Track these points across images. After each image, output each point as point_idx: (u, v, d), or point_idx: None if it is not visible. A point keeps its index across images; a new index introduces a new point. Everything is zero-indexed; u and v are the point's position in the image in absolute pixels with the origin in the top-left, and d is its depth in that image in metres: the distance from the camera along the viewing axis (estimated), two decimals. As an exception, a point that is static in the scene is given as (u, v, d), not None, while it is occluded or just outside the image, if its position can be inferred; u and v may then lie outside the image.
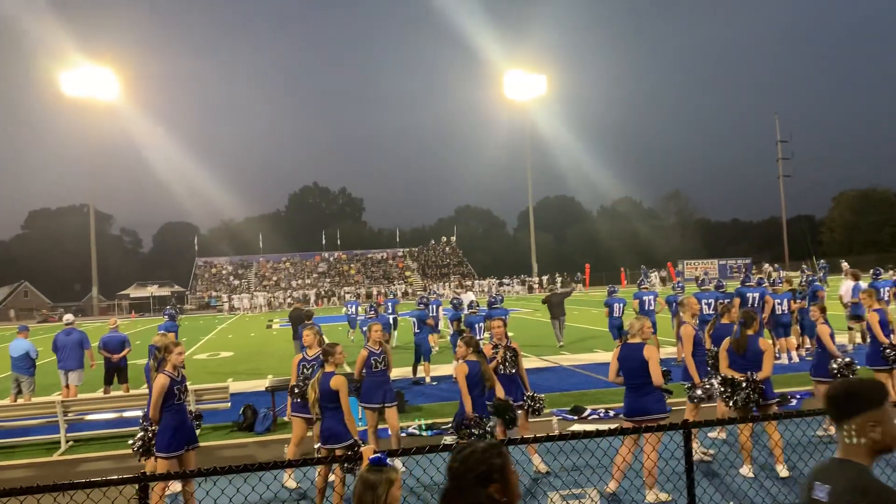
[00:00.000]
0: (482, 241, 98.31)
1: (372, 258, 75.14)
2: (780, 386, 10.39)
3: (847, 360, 8.36)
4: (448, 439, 8.26)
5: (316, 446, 6.69)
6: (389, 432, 8.24)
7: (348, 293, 57.24)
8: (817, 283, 16.37)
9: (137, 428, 6.89)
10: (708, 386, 7.54)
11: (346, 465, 5.50)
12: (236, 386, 14.15)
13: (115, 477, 3.34)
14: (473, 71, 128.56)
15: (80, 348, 12.82)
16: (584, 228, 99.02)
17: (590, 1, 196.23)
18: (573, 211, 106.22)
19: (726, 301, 11.94)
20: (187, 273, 72.78)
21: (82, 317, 59.74)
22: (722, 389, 7.25)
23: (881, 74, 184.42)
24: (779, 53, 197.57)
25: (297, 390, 7.59)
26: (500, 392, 7.18)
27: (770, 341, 10.70)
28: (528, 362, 8.29)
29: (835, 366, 8.26)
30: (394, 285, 62.46)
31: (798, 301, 14.71)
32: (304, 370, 7.80)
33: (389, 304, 21.68)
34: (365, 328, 8.81)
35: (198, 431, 6.87)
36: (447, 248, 77.31)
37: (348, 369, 10.80)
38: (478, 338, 12.27)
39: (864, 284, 14.33)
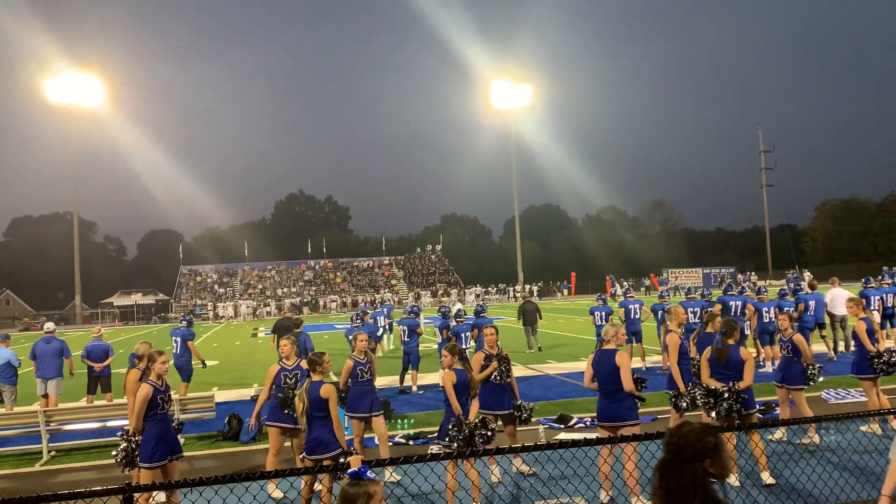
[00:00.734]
0: (468, 249, 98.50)
1: (358, 266, 75.00)
2: (764, 395, 10.46)
3: (818, 366, 8.57)
4: (435, 448, 8.24)
5: (300, 456, 6.63)
6: (377, 441, 8.21)
7: (370, 303, 55.34)
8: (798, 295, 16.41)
9: (119, 438, 6.76)
10: (694, 394, 7.57)
11: (338, 474, 5.46)
12: (221, 395, 14.06)
13: (99, 488, 3.29)
14: (460, 80, 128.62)
15: (58, 357, 12.69)
16: (570, 237, 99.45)
17: (576, 12, 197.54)
18: (559, 219, 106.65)
19: (710, 310, 12.00)
20: (172, 281, 72.19)
21: (65, 325, 59.14)
22: (704, 400, 7.26)
23: (863, 85, 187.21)
24: (762, 64, 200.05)
25: (288, 402, 7.46)
26: (473, 411, 7.00)
27: (752, 350, 10.76)
28: (514, 370, 8.30)
29: (811, 371, 8.42)
30: (379, 293, 62.28)
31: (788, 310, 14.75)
32: (287, 380, 7.71)
33: (385, 309, 21.84)
34: (350, 337, 8.77)
35: (182, 441, 6.80)
36: (433, 257, 77.37)
37: (334, 378, 10.75)
38: (463, 346, 12.29)
39: (846, 293, 14.45)
